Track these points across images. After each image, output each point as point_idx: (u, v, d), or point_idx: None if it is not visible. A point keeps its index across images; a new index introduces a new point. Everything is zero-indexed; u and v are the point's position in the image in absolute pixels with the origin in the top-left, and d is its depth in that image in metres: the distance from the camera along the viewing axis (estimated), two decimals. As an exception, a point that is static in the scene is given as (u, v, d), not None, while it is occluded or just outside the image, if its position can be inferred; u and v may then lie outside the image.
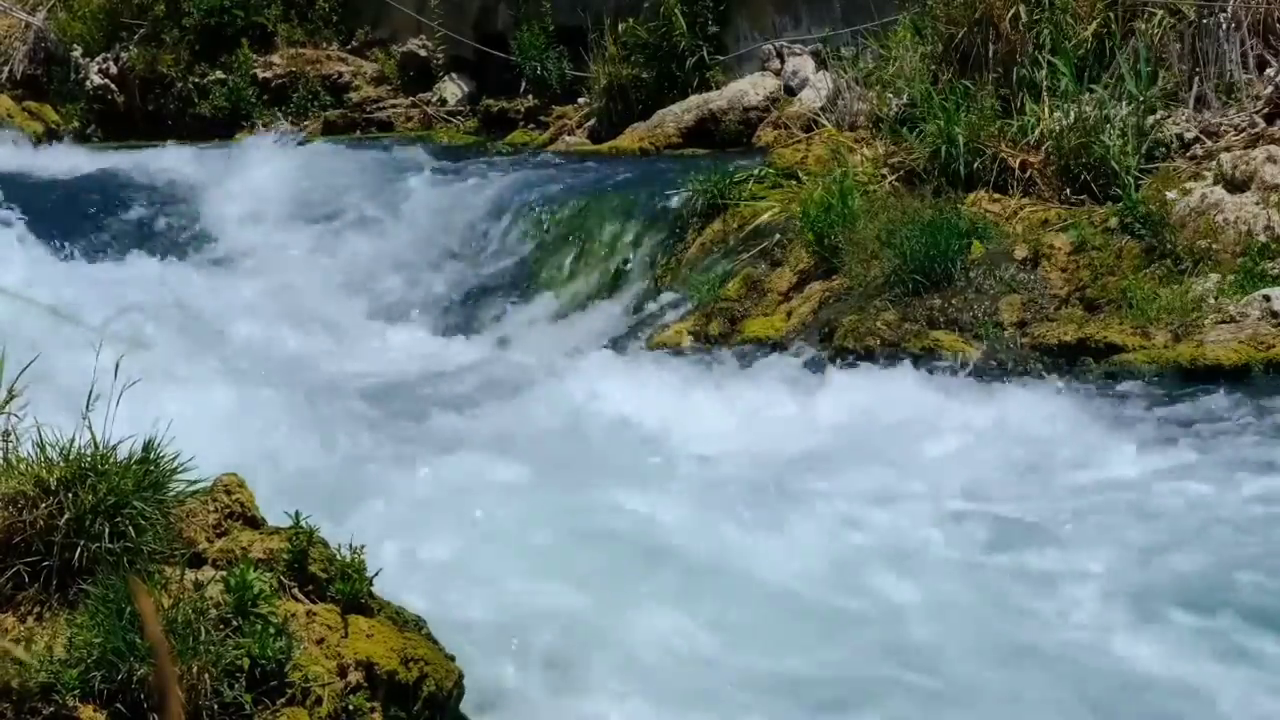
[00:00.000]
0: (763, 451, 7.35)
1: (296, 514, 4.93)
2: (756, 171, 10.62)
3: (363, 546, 4.96)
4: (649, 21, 13.08)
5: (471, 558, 5.95)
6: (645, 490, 6.51)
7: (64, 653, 4.46)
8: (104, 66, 15.60)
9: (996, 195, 9.57)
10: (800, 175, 10.52)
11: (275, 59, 15.41)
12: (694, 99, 12.66)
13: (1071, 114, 9.52)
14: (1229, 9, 9.78)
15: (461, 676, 5.02)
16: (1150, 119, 9.51)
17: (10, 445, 4.79)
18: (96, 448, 4.70)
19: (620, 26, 13.21)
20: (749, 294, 9.57)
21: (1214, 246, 8.50)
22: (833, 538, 6.24)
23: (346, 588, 4.89)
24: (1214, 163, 9.05)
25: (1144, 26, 9.90)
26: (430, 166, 12.45)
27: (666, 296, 9.96)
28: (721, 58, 12.92)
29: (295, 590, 4.84)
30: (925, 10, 10.90)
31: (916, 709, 5.11)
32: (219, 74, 15.32)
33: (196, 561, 4.83)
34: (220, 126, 15.19)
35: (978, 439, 7.43)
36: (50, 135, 15.56)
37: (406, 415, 8.17)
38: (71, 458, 4.68)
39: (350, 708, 4.68)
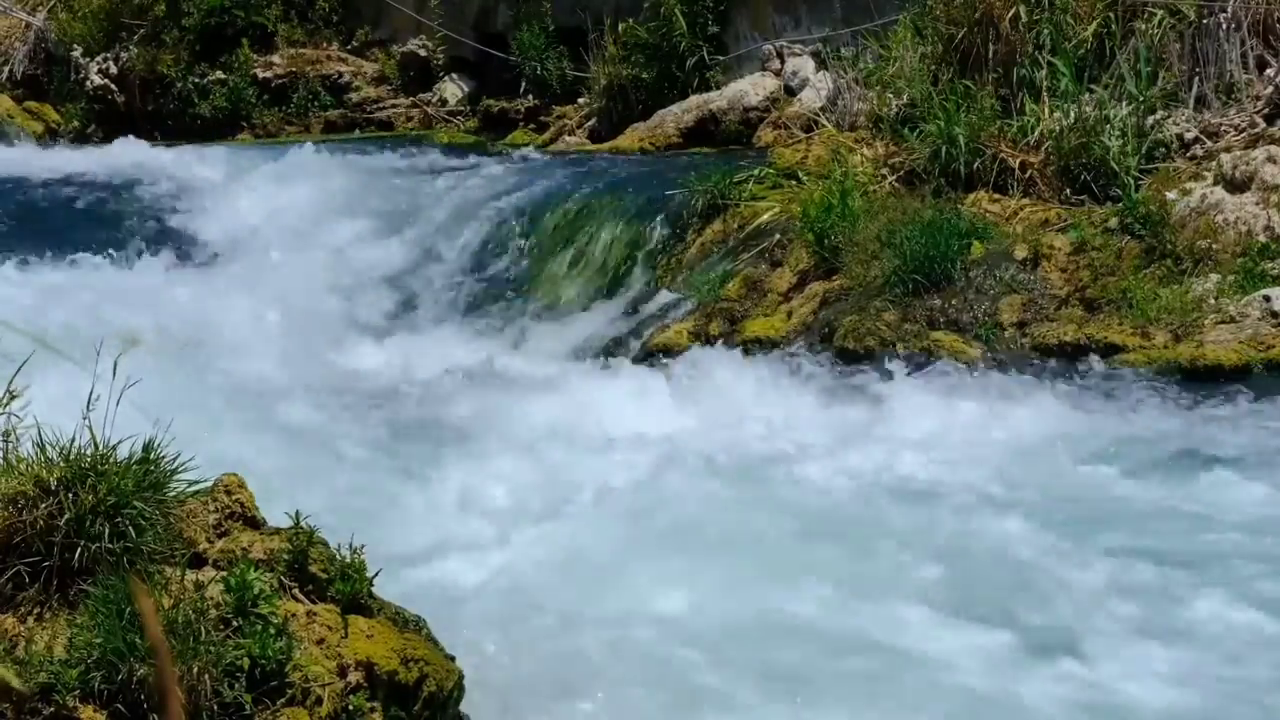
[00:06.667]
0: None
1: (296, 514, 4.92)
2: (756, 171, 10.61)
3: (362, 546, 4.96)
4: (649, 21, 13.08)
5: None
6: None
7: (64, 653, 4.46)
8: (104, 66, 15.60)
9: (996, 195, 9.57)
10: (800, 175, 10.52)
11: (275, 59, 15.42)
12: (694, 99, 12.66)
13: (1071, 114, 9.52)
14: (1229, 9, 9.77)
15: (461, 677, 5.02)
16: (1150, 119, 9.51)
17: (10, 445, 4.78)
18: (96, 448, 4.69)
19: (620, 26, 13.21)
20: (749, 294, 9.56)
21: (1214, 246, 8.49)
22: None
23: (346, 588, 4.89)
24: (1214, 163, 9.04)
25: (1144, 26, 9.90)
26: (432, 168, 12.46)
27: (667, 297, 9.95)
28: (721, 58, 12.91)
29: (295, 590, 4.84)
30: (925, 10, 10.90)
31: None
32: (219, 74, 15.33)
33: (197, 562, 4.83)
34: (220, 127, 15.20)
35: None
36: (51, 135, 15.57)
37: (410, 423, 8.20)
38: (71, 458, 4.67)
39: (350, 708, 4.68)
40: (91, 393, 4.71)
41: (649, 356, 9.32)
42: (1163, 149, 9.45)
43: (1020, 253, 8.85)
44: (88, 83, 15.62)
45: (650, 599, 5.88)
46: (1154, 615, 5.66)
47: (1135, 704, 5.15)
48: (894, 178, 10.00)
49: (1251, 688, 5.22)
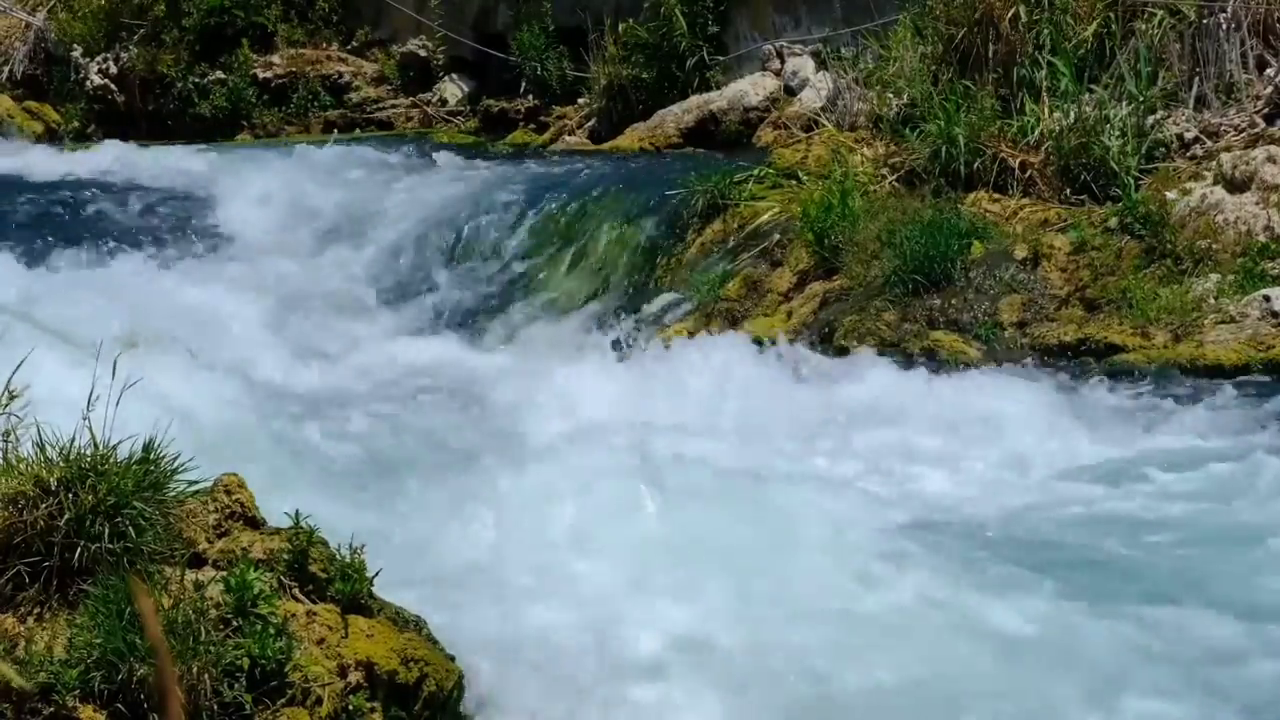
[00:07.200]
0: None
1: (296, 514, 4.92)
2: (756, 171, 10.61)
3: (363, 546, 4.96)
4: (649, 21, 13.07)
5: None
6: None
7: (64, 653, 4.46)
8: (104, 66, 15.60)
9: (996, 195, 9.57)
10: (800, 175, 10.52)
11: (275, 59, 15.41)
12: (694, 99, 12.65)
13: (1071, 114, 9.52)
14: (1229, 9, 9.77)
15: (462, 676, 5.02)
16: (1150, 119, 9.51)
17: (10, 445, 4.78)
18: (96, 448, 4.69)
19: (620, 26, 13.21)
20: (749, 294, 9.56)
21: (1214, 246, 8.49)
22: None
23: (346, 588, 4.89)
24: (1214, 163, 9.04)
25: (1144, 26, 9.90)
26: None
27: (667, 296, 9.95)
28: (721, 58, 12.91)
29: (295, 590, 4.84)
30: (925, 10, 10.90)
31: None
32: (219, 74, 15.32)
33: (196, 562, 4.83)
34: (220, 127, 15.20)
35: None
36: (51, 135, 15.57)
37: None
38: (71, 458, 4.68)
39: (350, 708, 4.68)
40: (91, 392, 4.71)
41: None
42: (1163, 149, 9.45)
43: (1020, 253, 8.85)
44: (88, 83, 15.61)
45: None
46: None
47: None
48: (894, 178, 10.00)
49: None
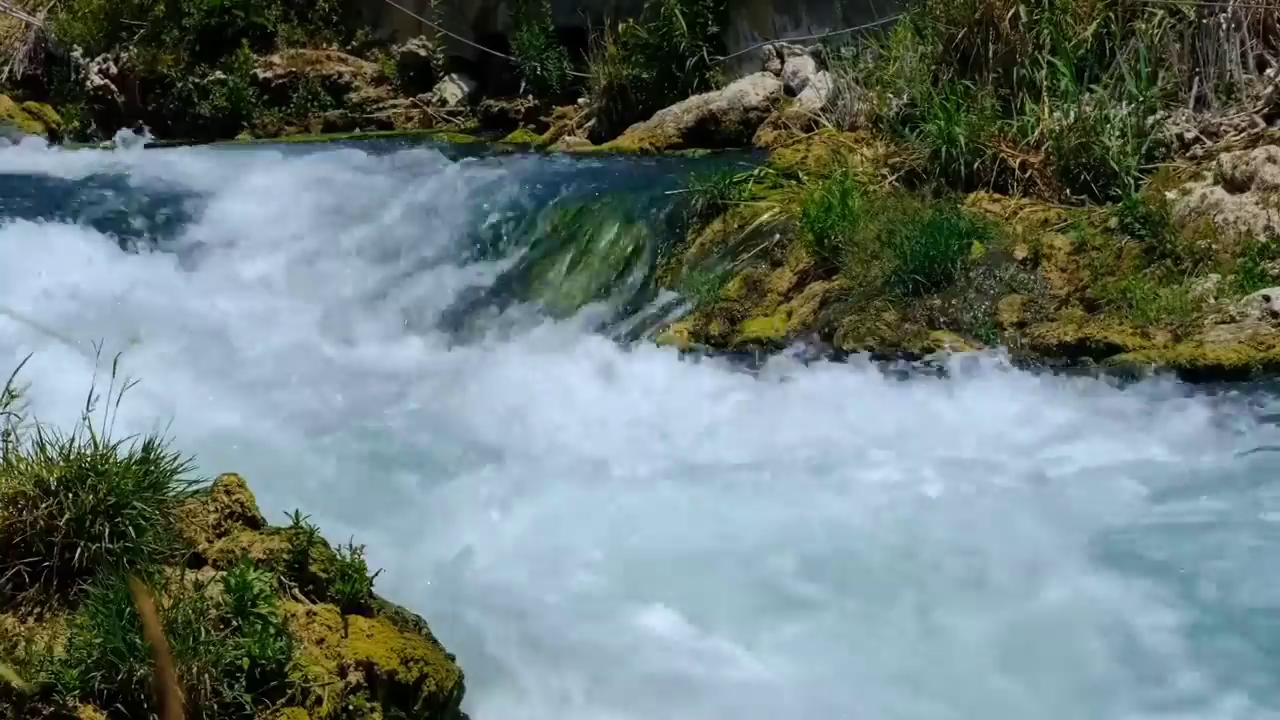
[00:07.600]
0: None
1: (296, 514, 4.93)
2: (756, 171, 10.61)
3: (363, 546, 4.96)
4: (649, 21, 13.08)
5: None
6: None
7: (64, 653, 4.46)
8: (104, 66, 15.61)
9: (996, 195, 9.57)
10: (800, 175, 10.52)
11: (275, 59, 15.42)
12: (694, 99, 12.65)
13: (1071, 114, 9.53)
14: (1229, 9, 9.77)
15: (462, 676, 5.02)
16: (1150, 119, 9.51)
17: (10, 445, 4.79)
18: (96, 448, 4.70)
19: (620, 26, 13.21)
20: (749, 294, 9.56)
21: (1214, 246, 8.49)
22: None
23: (346, 588, 4.90)
24: (1214, 163, 9.04)
25: (1144, 26, 9.90)
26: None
27: (666, 296, 9.95)
28: (721, 58, 12.91)
29: (295, 590, 4.84)
30: (925, 10, 10.90)
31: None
32: (219, 74, 15.33)
33: (196, 562, 4.83)
34: (220, 127, 15.21)
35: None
36: (51, 135, 15.58)
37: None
38: (71, 458, 4.68)
39: (350, 708, 4.68)
40: (91, 392, 4.71)
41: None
42: (1163, 149, 9.46)
43: (1020, 253, 8.86)
44: (88, 83, 15.63)
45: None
46: None
47: None
48: (894, 178, 10.01)
49: None
